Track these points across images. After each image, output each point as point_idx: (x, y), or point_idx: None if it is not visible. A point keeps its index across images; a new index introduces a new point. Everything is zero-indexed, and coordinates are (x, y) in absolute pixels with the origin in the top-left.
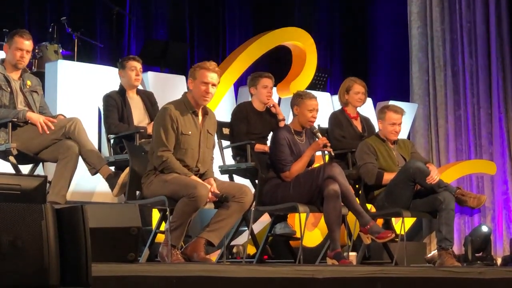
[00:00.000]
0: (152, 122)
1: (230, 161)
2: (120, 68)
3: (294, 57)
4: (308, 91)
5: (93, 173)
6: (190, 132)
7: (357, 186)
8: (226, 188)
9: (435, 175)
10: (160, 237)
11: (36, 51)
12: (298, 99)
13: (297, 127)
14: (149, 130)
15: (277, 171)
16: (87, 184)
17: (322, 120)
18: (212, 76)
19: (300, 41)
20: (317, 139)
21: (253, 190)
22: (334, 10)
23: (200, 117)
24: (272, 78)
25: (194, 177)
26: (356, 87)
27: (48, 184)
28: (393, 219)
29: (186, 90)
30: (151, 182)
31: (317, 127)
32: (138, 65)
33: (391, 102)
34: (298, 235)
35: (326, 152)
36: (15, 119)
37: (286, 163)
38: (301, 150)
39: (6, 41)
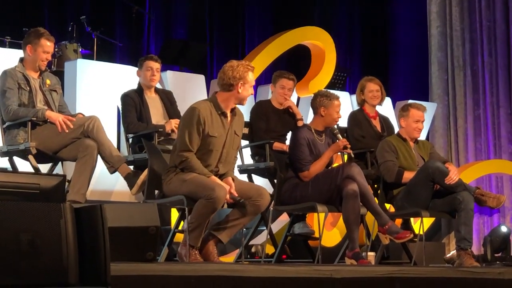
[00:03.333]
0: (170, 120)
1: (248, 160)
2: (138, 68)
3: (313, 56)
4: (330, 90)
5: (112, 172)
6: (216, 134)
7: (376, 186)
8: (244, 189)
9: (454, 175)
10: (179, 236)
11: (56, 50)
12: (325, 100)
13: (318, 127)
14: (168, 128)
15: (296, 171)
16: (106, 183)
17: (341, 120)
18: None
19: (319, 40)
20: (337, 141)
21: (271, 189)
22: (354, 10)
23: (229, 118)
24: (293, 80)
25: (213, 178)
26: (369, 86)
27: (67, 183)
28: (412, 219)
29: (208, 89)
30: (171, 180)
31: (336, 127)
32: (155, 65)
33: (410, 102)
34: (316, 234)
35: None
36: (34, 118)
37: (305, 162)
38: (321, 150)
39: (30, 42)
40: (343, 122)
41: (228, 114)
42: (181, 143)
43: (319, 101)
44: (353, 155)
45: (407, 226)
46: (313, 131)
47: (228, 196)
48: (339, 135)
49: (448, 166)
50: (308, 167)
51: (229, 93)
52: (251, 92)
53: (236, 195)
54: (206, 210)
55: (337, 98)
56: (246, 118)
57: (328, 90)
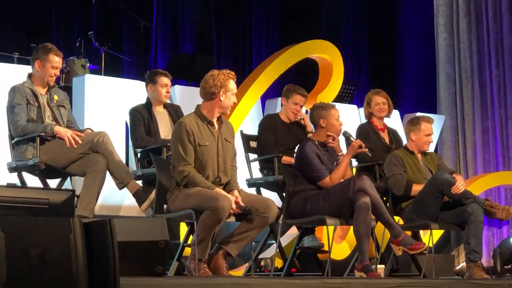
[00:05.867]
0: None
1: (257, 174)
2: (150, 83)
3: (321, 70)
4: (326, 102)
5: (121, 188)
6: (207, 143)
7: (384, 198)
8: (251, 201)
9: (460, 185)
10: (188, 250)
11: (64, 65)
12: (322, 111)
13: (322, 139)
14: None
15: (314, 181)
16: (115, 197)
17: (349, 133)
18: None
19: (326, 54)
20: (352, 143)
21: (280, 203)
22: (361, 23)
23: (216, 126)
24: (306, 96)
25: (217, 189)
26: (375, 99)
27: (76, 198)
28: (421, 231)
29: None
30: (176, 197)
31: (348, 131)
32: (169, 81)
33: (418, 114)
34: (326, 248)
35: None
36: (43, 134)
37: (321, 172)
38: (326, 162)
39: (39, 58)
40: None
41: (215, 123)
42: (178, 158)
43: (317, 114)
44: (370, 154)
45: (416, 238)
46: (316, 143)
47: (234, 206)
48: (352, 138)
49: (455, 176)
50: (327, 174)
51: (211, 101)
52: (234, 100)
53: (243, 204)
54: (211, 221)
55: (333, 107)
56: (255, 132)
57: (324, 102)
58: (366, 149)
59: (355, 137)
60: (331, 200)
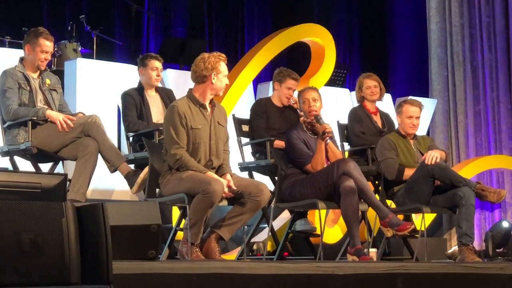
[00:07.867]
0: None
1: (249, 158)
2: (141, 66)
3: (313, 53)
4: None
5: (112, 171)
6: (200, 126)
7: (376, 182)
8: (243, 185)
9: (429, 156)
10: (181, 235)
11: (55, 49)
12: (299, 97)
13: (306, 123)
14: None
15: (300, 167)
16: (107, 182)
17: (341, 116)
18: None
19: (319, 37)
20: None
21: (272, 186)
22: (353, 6)
23: (209, 109)
24: (298, 80)
25: (209, 173)
26: (366, 82)
27: (68, 182)
28: (413, 215)
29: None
30: (168, 181)
31: (321, 115)
32: (160, 65)
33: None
34: (318, 231)
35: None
36: (35, 118)
37: (305, 158)
38: (313, 146)
39: (29, 41)
40: (344, 119)
41: (208, 106)
42: (170, 141)
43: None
44: (333, 136)
45: (408, 221)
46: (304, 127)
47: (226, 190)
48: (321, 121)
49: (435, 150)
50: (310, 160)
51: (203, 84)
52: (226, 82)
53: (235, 188)
54: (204, 205)
55: (304, 90)
56: (247, 115)
57: (308, 86)
58: (331, 134)
59: (324, 121)
60: (317, 185)
